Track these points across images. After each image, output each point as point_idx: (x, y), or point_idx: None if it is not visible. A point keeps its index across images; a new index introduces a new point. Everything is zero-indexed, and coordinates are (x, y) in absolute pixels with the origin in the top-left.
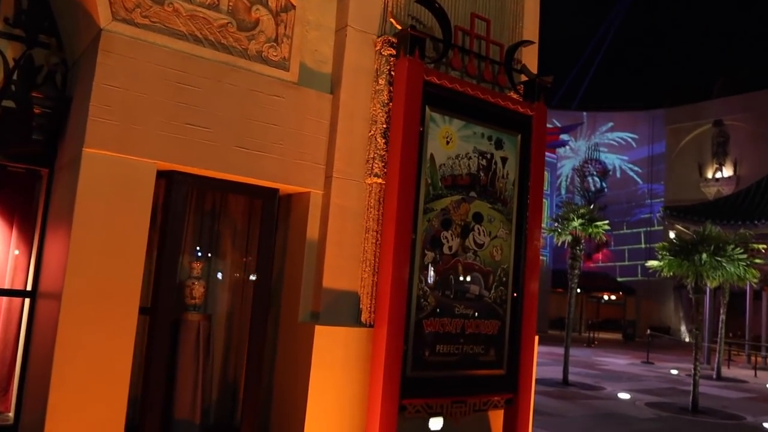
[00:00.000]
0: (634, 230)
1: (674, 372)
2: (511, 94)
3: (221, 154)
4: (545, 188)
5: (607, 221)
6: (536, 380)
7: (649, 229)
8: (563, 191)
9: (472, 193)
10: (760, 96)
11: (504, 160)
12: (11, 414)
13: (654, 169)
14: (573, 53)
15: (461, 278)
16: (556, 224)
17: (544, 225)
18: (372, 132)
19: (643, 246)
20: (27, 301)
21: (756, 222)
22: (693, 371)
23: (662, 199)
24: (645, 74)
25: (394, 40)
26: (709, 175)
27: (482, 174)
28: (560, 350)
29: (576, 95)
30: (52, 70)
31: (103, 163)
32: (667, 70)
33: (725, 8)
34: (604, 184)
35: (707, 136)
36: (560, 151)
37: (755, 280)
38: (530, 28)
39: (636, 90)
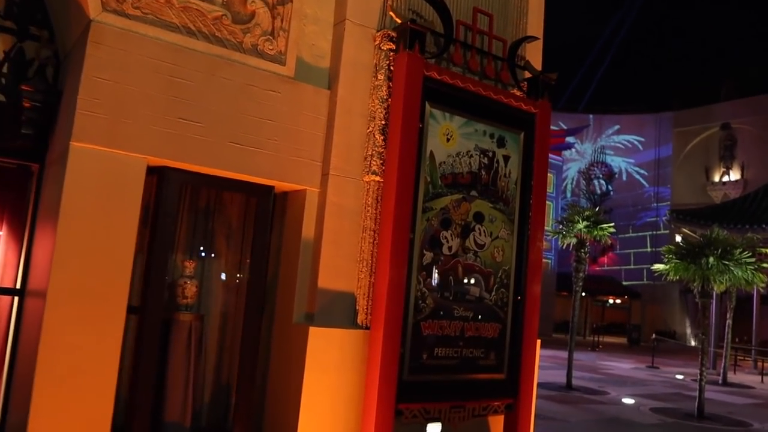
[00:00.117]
0: (640, 234)
1: (680, 377)
2: (515, 91)
3: (214, 150)
4: (550, 191)
5: (612, 224)
6: (539, 384)
7: (655, 232)
8: (569, 194)
9: (473, 192)
10: None
11: (506, 158)
12: None
13: (660, 172)
14: (580, 55)
15: (461, 280)
16: (560, 226)
17: (548, 227)
18: (370, 129)
19: (648, 250)
20: (16, 299)
21: (764, 226)
22: (699, 376)
23: (668, 203)
24: (652, 77)
25: (393, 34)
26: (716, 178)
27: (484, 172)
28: (564, 354)
29: (582, 97)
30: (43, 63)
31: (91, 157)
32: (675, 72)
33: (734, 11)
34: (609, 187)
35: (714, 140)
36: (566, 153)
37: (763, 285)
38: (535, 24)
39: (643, 93)
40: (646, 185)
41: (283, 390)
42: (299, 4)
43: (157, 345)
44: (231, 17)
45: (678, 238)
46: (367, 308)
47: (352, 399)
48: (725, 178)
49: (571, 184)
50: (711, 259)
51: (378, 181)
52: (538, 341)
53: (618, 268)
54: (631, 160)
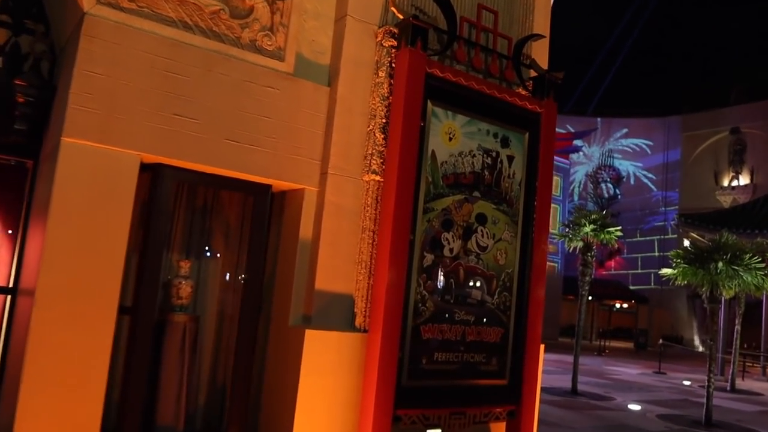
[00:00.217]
0: (648, 238)
1: (687, 383)
2: (519, 90)
3: (210, 147)
4: (557, 194)
5: (619, 227)
6: (544, 389)
7: (662, 237)
8: (576, 197)
9: (476, 193)
10: None
11: (510, 158)
12: None
13: (669, 176)
14: (588, 58)
15: (462, 283)
16: (567, 230)
17: (555, 230)
18: (371, 127)
19: (656, 254)
20: (8, 298)
21: None
22: (706, 383)
23: (677, 207)
24: (661, 80)
25: (395, 30)
26: (725, 183)
27: (487, 173)
28: (570, 358)
29: (590, 100)
30: (38, 57)
31: (83, 153)
32: (684, 76)
33: (744, 14)
34: (617, 191)
35: (724, 144)
36: (573, 156)
37: None
38: (541, 22)
39: (652, 96)
40: (654, 189)
41: (278, 394)
42: None
43: (149, 346)
44: (229, 12)
45: (686, 243)
46: (365, 311)
47: (349, 404)
48: (734, 183)
49: (579, 187)
50: (720, 264)
51: (378, 181)
52: (542, 346)
53: (625, 272)
54: (640, 164)
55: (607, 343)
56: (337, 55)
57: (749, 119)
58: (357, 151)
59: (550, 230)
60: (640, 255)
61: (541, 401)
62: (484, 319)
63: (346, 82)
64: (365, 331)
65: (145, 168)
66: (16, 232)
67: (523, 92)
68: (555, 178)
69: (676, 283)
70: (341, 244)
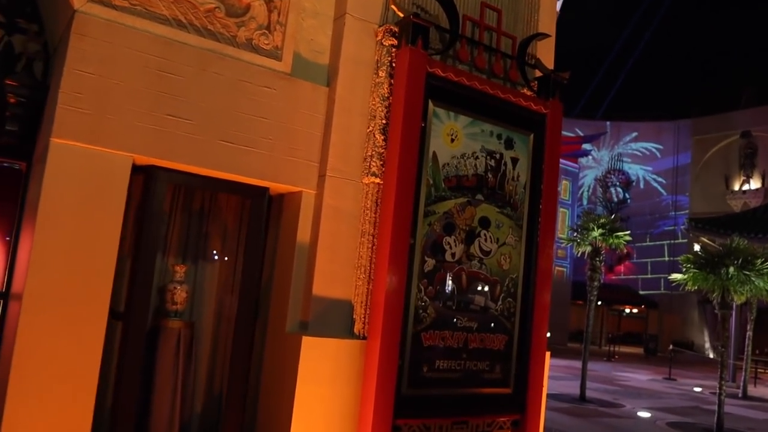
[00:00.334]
0: (658, 243)
1: (698, 390)
2: (524, 90)
3: (204, 149)
4: (566, 198)
5: (628, 232)
6: (551, 395)
7: (672, 241)
8: (585, 202)
9: (479, 196)
10: None
11: (514, 161)
12: None
13: (679, 180)
14: (597, 62)
15: (465, 288)
16: (575, 234)
17: (563, 235)
18: (370, 128)
19: (666, 259)
20: (1, 303)
21: None
22: (718, 389)
23: (687, 211)
24: (671, 84)
25: (395, 29)
26: (736, 187)
27: (490, 175)
28: (579, 364)
29: (599, 104)
30: (31, 57)
31: (72, 155)
32: (694, 79)
33: (755, 17)
34: (627, 195)
35: (734, 147)
36: (582, 160)
37: None
38: (547, 21)
39: (661, 100)
40: (664, 193)
41: (275, 403)
42: None
43: (142, 353)
44: (225, 10)
45: (696, 247)
46: (364, 317)
47: (347, 413)
48: (745, 187)
49: (588, 191)
50: (731, 269)
51: (378, 184)
52: (548, 353)
53: (635, 277)
54: (649, 168)
55: (616, 349)
56: (336, 55)
57: (760, 122)
58: (356, 152)
59: (559, 235)
60: (649, 260)
61: (548, 408)
62: (488, 326)
63: (345, 82)
64: (364, 338)
65: (138, 170)
66: (9, 236)
67: (528, 93)
68: (564, 182)
69: (687, 288)
70: (340, 249)
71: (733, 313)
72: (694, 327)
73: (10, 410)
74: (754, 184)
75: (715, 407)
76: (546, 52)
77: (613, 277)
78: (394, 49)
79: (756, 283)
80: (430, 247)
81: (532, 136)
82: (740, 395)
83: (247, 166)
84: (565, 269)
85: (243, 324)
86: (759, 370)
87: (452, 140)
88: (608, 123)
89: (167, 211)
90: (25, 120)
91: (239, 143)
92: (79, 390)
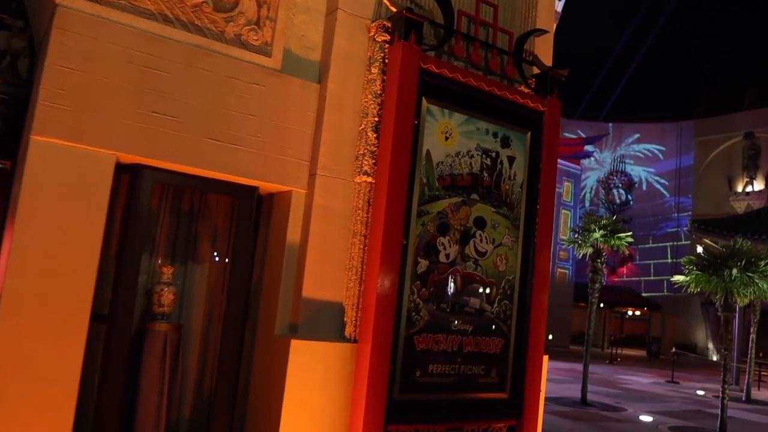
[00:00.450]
0: (660, 244)
1: (701, 393)
2: (521, 87)
3: (191, 147)
4: (568, 200)
5: (630, 233)
6: (552, 399)
7: (675, 243)
8: (587, 203)
9: (474, 196)
10: None
11: (511, 159)
12: None
13: (681, 182)
14: (600, 63)
15: (459, 290)
16: (576, 235)
17: (565, 237)
18: (362, 126)
19: (669, 261)
20: None
21: None
22: (721, 393)
23: (690, 213)
24: (673, 85)
25: (388, 24)
26: (739, 188)
27: (486, 174)
28: (581, 367)
29: (601, 106)
30: (15, 54)
31: (53, 152)
32: (697, 80)
33: (757, 18)
34: (629, 197)
35: (738, 149)
36: (585, 162)
37: None
38: (545, 17)
39: (664, 101)
40: (667, 195)
41: (263, 408)
42: None
43: (126, 356)
44: (212, 5)
45: (699, 249)
46: (355, 320)
47: (337, 419)
48: (749, 189)
49: (590, 193)
50: (734, 271)
51: (370, 183)
52: (545, 357)
53: (637, 279)
54: (652, 170)
55: (619, 351)
56: (328, 51)
57: (763, 124)
58: (348, 151)
59: (561, 237)
60: (652, 261)
61: (548, 412)
62: (483, 329)
63: (336, 79)
64: (355, 341)
65: (123, 168)
66: None
67: (525, 90)
68: (566, 183)
69: (689, 290)
70: (330, 249)
71: (737, 315)
72: (697, 329)
73: None
74: (758, 185)
75: (718, 411)
76: (544, 49)
77: (616, 279)
78: (387, 45)
79: (759, 285)
80: (423, 248)
81: (529, 134)
82: (744, 399)
83: (235, 165)
84: (567, 271)
85: (232, 326)
86: (763, 373)
87: (446, 138)
88: (611, 124)
89: (155, 211)
90: (9, 118)
91: (227, 141)
92: (60, 395)
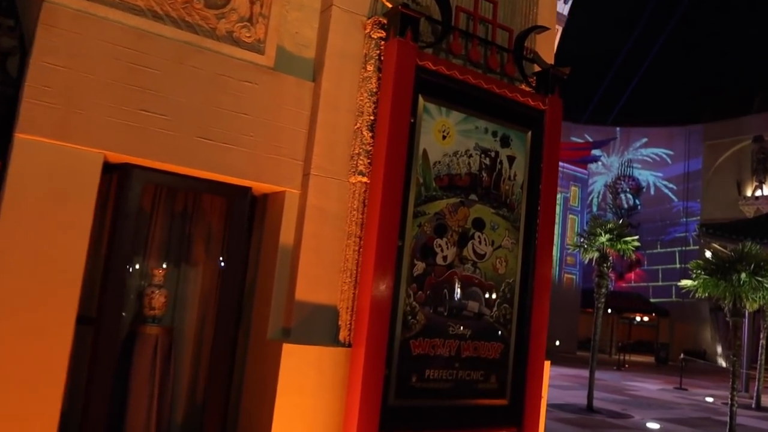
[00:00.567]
0: (669, 249)
1: (709, 400)
2: (522, 86)
3: (181, 146)
4: (575, 204)
5: (636, 237)
6: (557, 406)
7: (684, 248)
8: (595, 208)
9: (473, 196)
10: None
11: (511, 159)
12: None
13: (690, 186)
14: (607, 67)
15: (457, 293)
16: (582, 239)
17: (572, 242)
18: (358, 125)
19: (677, 266)
20: None
21: None
22: (730, 400)
23: (698, 218)
24: (682, 89)
25: (384, 21)
26: (749, 193)
27: (485, 174)
28: (587, 373)
29: (609, 110)
30: (5, 52)
31: (39, 151)
32: (705, 84)
33: (765, 21)
34: (637, 202)
35: (747, 153)
36: (592, 166)
37: None
38: (546, 14)
39: (672, 105)
40: (675, 200)
41: (255, 415)
42: None
43: (114, 360)
44: (203, 1)
45: (708, 254)
46: (350, 324)
47: (330, 425)
48: (758, 193)
49: (598, 198)
50: (743, 275)
51: (365, 183)
52: (547, 362)
53: (645, 284)
54: (660, 174)
55: (627, 358)
56: (322, 48)
57: None
58: (342, 150)
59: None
60: (660, 267)
61: (553, 419)
62: (482, 333)
63: (331, 77)
64: (350, 345)
65: (112, 168)
66: None
67: (526, 88)
68: (573, 188)
69: (697, 295)
70: (324, 251)
71: (746, 320)
72: (706, 335)
73: None
74: (767, 190)
75: (727, 418)
76: (546, 47)
77: (624, 285)
78: (382, 42)
79: None
80: (419, 250)
81: (529, 133)
82: (753, 406)
83: (227, 165)
84: (574, 277)
85: (224, 330)
86: None
87: (444, 137)
88: (618, 128)
89: (146, 211)
90: None
91: (219, 140)
92: (43, 399)
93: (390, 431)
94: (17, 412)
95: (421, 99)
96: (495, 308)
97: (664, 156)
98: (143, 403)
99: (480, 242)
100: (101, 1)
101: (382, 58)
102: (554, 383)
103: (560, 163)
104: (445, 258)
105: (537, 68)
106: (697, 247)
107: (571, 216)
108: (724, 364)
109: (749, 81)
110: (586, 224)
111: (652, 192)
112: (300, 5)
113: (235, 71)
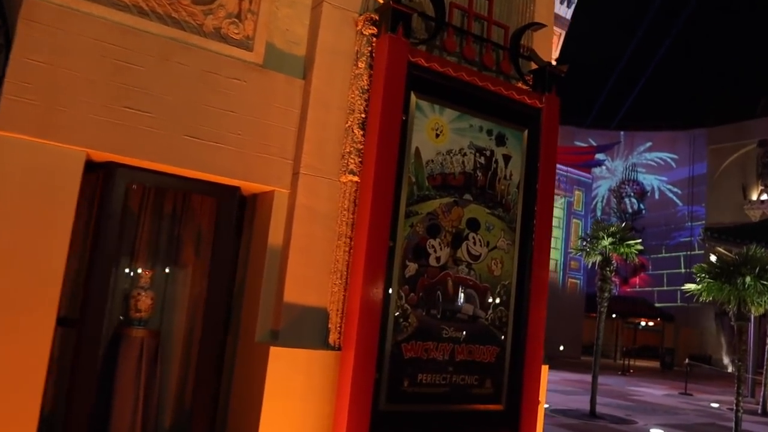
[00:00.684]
0: (673, 254)
1: (715, 405)
2: (518, 83)
3: (167, 144)
4: (579, 209)
5: (639, 240)
6: (560, 411)
7: (689, 253)
8: (599, 212)
9: (467, 196)
10: None
11: (506, 158)
12: None
13: (694, 190)
14: (611, 71)
15: (451, 295)
16: (585, 243)
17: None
18: (349, 123)
19: (682, 271)
20: None
21: None
22: (735, 405)
23: (703, 222)
24: (686, 93)
25: (376, 17)
26: (754, 197)
27: (479, 174)
28: (591, 378)
29: (613, 114)
30: None
31: (18, 148)
32: (709, 88)
33: None
34: (641, 206)
35: (752, 157)
36: (596, 171)
37: None
38: (543, 12)
39: (676, 109)
40: (680, 204)
41: (242, 419)
42: None
43: (97, 363)
44: None
45: (713, 258)
46: (340, 326)
47: (319, 431)
48: (763, 197)
49: (602, 202)
50: (747, 279)
51: (356, 182)
52: (545, 367)
53: (650, 289)
54: (664, 178)
55: (631, 363)
56: (313, 45)
57: None
58: (333, 149)
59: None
60: (665, 271)
61: (555, 424)
62: (477, 337)
63: (321, 74)
64: (340, 349)
65: (96, 167)
66: None
67: (522, 86)
68: (577, 192)
69: (701, 299)
70: (314, 252)
71: (751, 325)
72: (711, 340)
73: None
74: None
75: (733, 424)
76: (543, 45)
77: (628, 290)
78: (374, 39)
79: None
80: (412, 251)
81: (526, 132)
82: (760, 411)
83: (215, 164)
84: (578, 281)
85: (212, 332)
86: None
87: (437, 135)
88: (622, 133)
89: (132, 212)
90: None
91: (206, 139)
92: (22, 402)
93: None
94: None
95: (413, 96)
96: (490, 311)
97: (669, 160)
98: (128, 406)
99: (475, 243)
100: None
101: (374, 54)
102: (558, 388)
103: (564, 168)
104: (438, 259)
105: (534, 66)
106: (702, 251)
107: (575, 220)
108: (730, 370)
109: (753, 85)
110: (590, 229)
111: (656, 196)
112: (291, 2)
113: (223, 68)
